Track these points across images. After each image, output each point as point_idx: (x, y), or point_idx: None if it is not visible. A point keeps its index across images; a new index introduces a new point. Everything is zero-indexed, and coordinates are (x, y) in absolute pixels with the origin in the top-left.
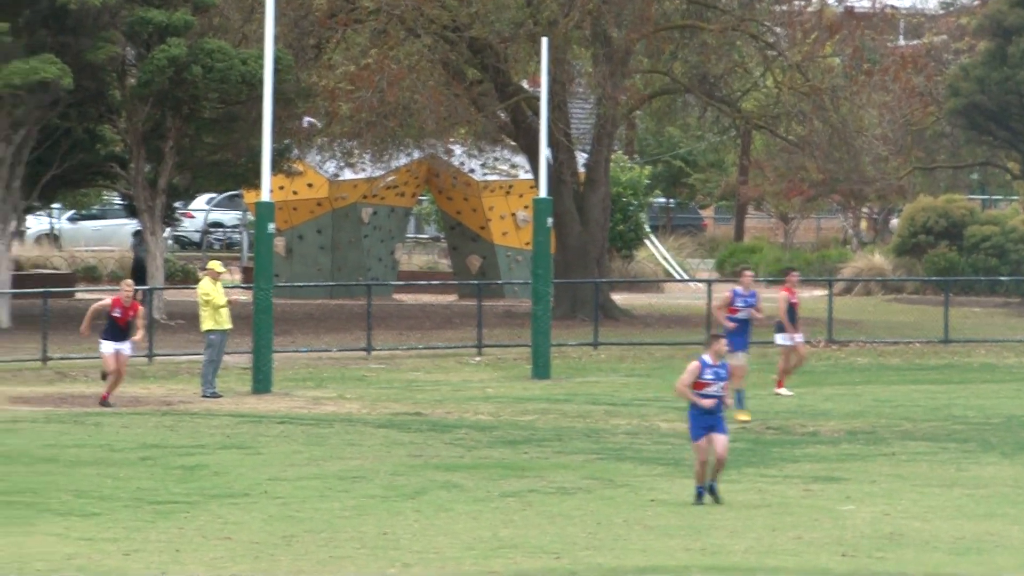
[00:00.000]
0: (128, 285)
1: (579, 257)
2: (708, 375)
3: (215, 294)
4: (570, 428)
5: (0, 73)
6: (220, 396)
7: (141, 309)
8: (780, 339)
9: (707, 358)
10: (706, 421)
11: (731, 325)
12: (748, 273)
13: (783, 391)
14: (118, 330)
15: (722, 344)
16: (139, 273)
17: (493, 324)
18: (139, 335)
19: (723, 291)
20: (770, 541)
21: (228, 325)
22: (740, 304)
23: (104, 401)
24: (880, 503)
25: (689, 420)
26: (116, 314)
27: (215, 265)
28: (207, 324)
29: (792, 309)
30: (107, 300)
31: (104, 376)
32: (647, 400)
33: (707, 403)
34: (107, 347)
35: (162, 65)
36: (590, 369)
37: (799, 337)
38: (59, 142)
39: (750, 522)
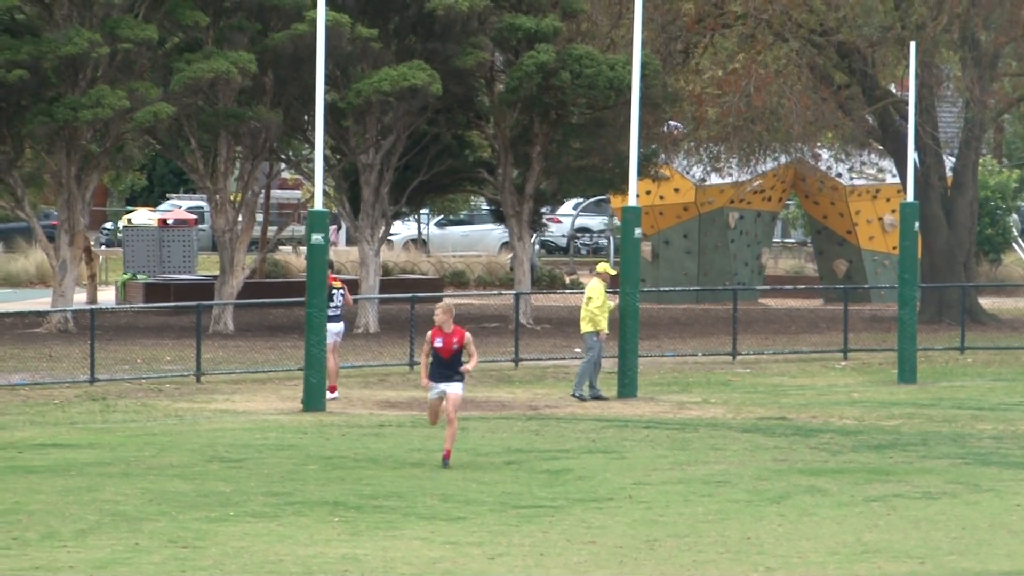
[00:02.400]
0: (445, 308)
1: (946, 261)
2: None
3: (599, 297)
4: (935, 432)
5: (370, 79)
6: (603, 398)
7: (468, 336)
8: None
9: None
10: None
11: None
12: None
13: None
14: (443, 365)
15: None
16: None
17: (859, 328)
18: (471, 364)
19: None
20: None
21: (604, 327)
22: None
23: (445, 460)
24: None
25: None
26: (438, 344)
27: (605, 268)
28: (585, 327)
29: None
30: (428, 334)
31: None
32: (1014, 404)
33: None
34: (432, 392)
35: (531, 71)
36: (956, 373)
37: None
38: (427, 148)
39: None
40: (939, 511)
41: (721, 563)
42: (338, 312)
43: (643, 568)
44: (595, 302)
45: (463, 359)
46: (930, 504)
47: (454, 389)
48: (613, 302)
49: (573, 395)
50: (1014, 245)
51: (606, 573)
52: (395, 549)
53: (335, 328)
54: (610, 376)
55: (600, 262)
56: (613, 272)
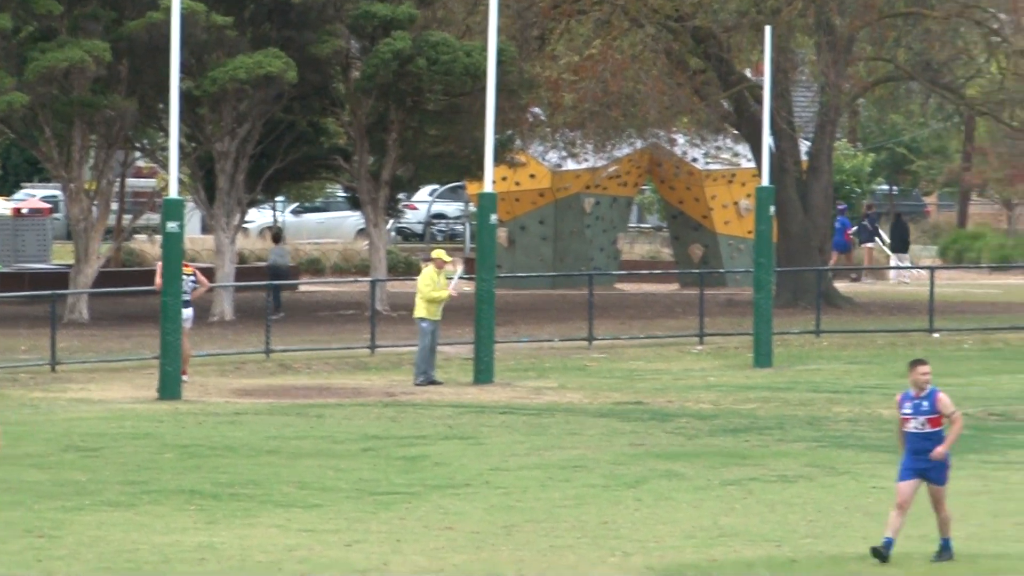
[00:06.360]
0: None
1: (801, 245)
2: (907, 409)
3: (432, 285)
4: (791, 416)
5: (225, 67)
6: (439, 383)
7: None
8: None
9: (911, 389)
10: (913, 462)
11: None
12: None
13: None
14: None
15: (919, 372)
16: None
17: (715, 313)
18: None
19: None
20: (993, 527)
21: (438, 316)
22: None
23: None
24: None
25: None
26: None
27: (440, 254)
28: (419, 312)
29: None
30: None
31: None
32: (869, 387)
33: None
34: None
35: (386, 58)
36: (812, 357)
37: None
38: (283, 135)
39: (972, 508)
40: (795, 494)
41: (578, 548)
42: (187, 298)
43: (500, 553)
44: (427, 294)
45: None
46: (786, 487)
47: None
48: (448, 290)
49: (416, 384)
50: (878, 240)
51: (463, 559)
52: (252, 537)
53: (184, 314)
54: (466, 362)
55: (435, 248)
56: (448, 259)
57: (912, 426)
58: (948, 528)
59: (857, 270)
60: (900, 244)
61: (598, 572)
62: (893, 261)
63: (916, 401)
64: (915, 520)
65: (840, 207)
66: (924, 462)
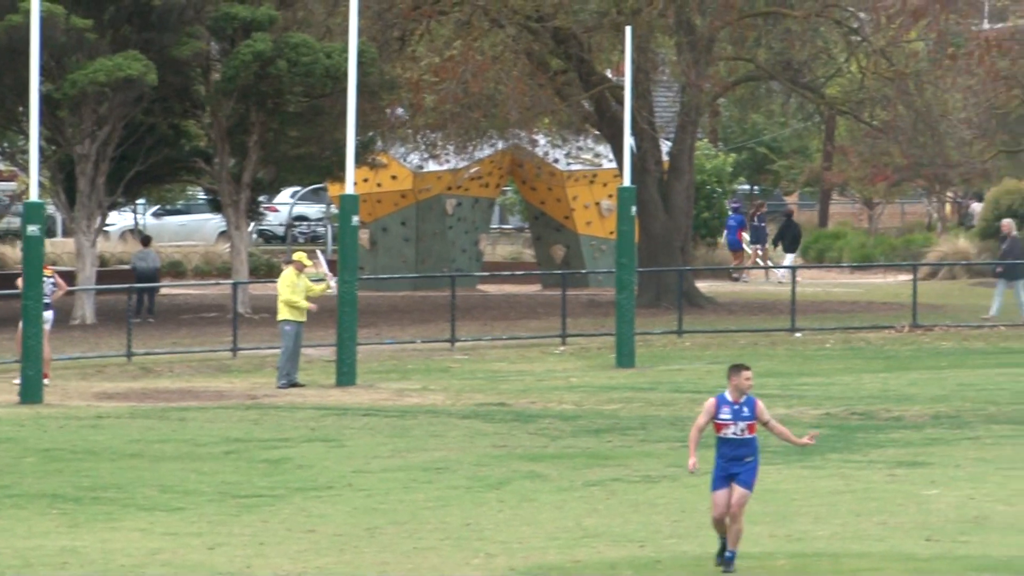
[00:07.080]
0: None
1: (663, 245)
2: (726, 414)
3: (291, 288)
4: (654, 416)
5: (85, 70)
6: (301, 385)
7: None
8: None
9: (727, 394)
10: (726, 468)
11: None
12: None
13: None
14: None
15: (744, 377)
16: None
17: (577, 313)
18: None
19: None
20: (855, 526)
21: (302, 319)
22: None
23: None
24: (965, 487)
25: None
26: None
27: (301, 257)
28: (282, 315)
29: None
30: None
31: None
32: None
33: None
34: None
35: (247, 60)
36: (674, 357)
37: None
38: (143, 138)
39: (835, 508)
40: (659, 494)
41: (442, 550)
42: (47, 301)
43: (363, 556)
44: (288, 298)
45: None
46: (650, 488)
47: None
48: (321, 284)
49: (279, 386)
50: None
51: (326, 561)
52: (114, 541)
53: (44, 316)
54: (329, 364)
55: (296, 251)
56: (309, 263)
57: (731, 432)
58: (739, 540)
59: (743, 269)
60: (791, 244)
61: (461, 574)
62: (787, 261)
63: (736, 407)
64: (780, 519)
65: (734, 205)
66: (737, 466)
